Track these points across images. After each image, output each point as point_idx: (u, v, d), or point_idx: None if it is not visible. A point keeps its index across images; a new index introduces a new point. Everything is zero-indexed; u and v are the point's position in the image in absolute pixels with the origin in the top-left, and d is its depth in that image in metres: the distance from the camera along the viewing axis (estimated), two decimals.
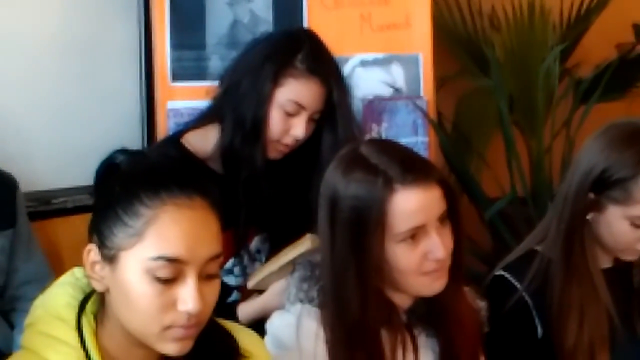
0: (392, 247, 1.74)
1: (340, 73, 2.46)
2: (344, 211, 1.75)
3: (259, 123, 2.34)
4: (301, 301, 1.85)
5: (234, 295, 2.43)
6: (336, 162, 1.83)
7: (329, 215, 1.77)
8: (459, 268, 1.84)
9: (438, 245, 1.74)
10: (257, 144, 2.35)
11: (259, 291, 2.31)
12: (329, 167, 1.84)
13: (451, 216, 1.80)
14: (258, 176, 2.37)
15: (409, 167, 1.75)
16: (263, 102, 2.34)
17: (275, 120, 2.35)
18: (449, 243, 1.78)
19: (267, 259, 2.44)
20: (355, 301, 1.75)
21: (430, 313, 1.87)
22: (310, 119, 2.38)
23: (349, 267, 1.75)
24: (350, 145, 1.87)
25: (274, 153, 2.40)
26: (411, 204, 1.72)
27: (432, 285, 1.79)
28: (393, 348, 1.81)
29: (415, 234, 1.74)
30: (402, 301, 1.84)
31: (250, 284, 2.31)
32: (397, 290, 1.80)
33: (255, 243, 2.46)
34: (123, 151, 1.53)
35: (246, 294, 2.38)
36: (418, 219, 1.73)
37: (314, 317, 1.82)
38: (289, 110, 2.35)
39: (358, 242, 1.73)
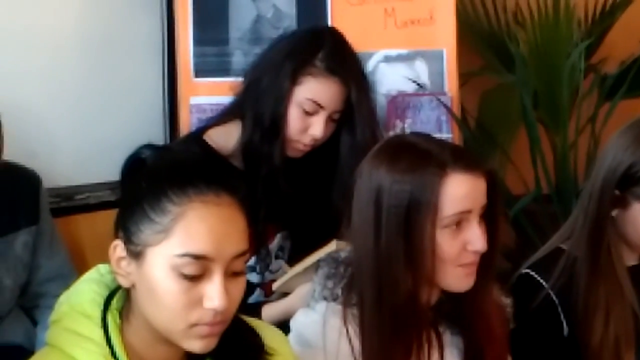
0: (437, 232, 1.75)
1: (361, 73, 2.44)
2: (392, 196, 1.75)
3: (278, 120, 2.34)
4: (326, 299, 1.85)
5: (257, 293, 2.43)
6: (376, 152, 1.84)
7: (374, 203, 1.77)
8: (491, 267, 1.84)
9: (479, 237, 1.76)
10: (276, 142, 2.35)
11: (284, 293, 2.30)
12: (367, 158, 1.85)
13: (491, 212, 1.81)
14: (277, 173, 2.36)
15: (461, 154, 1.78)
16: (281, 100, 2.33)
17: (293, 119, 2.34)
18: (486, 238, 1.78)
19: (290, 256, 2.44)
20: (405, 284, 1.76)
21: (456, 310, 1.88)
22: (330, 119, 2.37)
23: (398, 251, 1.75)
24: (392, 137, 1.87)
25: (293, 152, 2.40)
26: (462, 189, 1.74)
27: (463, 279, 1.79)
28: (418, 345, 1.80)
29: (459, 222, 1.75)
30: (428, 297, 1.84)
31: (275, 285, 2.31)
32: (428, 283, 1.79)
33: (277, 241, 2.46)
34: (149, 146, 1.52)
35: (269, 291, 2.38)
36: (466, 204, 1.75)
37: (339, 315, 1.81)
38: (308, 109, 2.34)
39: (408, 226, 1.74)
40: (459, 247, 1.76)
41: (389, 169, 1.77)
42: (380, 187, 1.77)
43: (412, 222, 1.74)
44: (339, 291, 1.84)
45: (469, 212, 1.76)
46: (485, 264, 1.82)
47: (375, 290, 1.78)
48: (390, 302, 1.77)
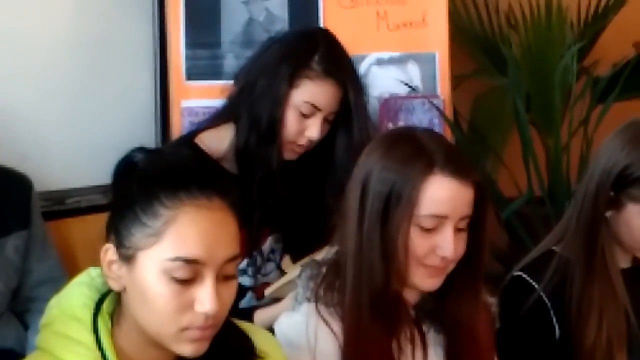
0: (411, 228, 1.76)
1: (355, 74, 2.45)
2: (378, 181, 1.77)
3: (275, 124, 2.34)
4: (308, 300, 1.85)
5: (248, 296, 2.42)
6: (383, 136, 1.89)
7: (362, 183, 1.80)
8: (477, 275, 1.86)
9: (449, 244, 1.76)
10: (273, 145, 2.35)
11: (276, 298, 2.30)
12: (375, 139, 1.89)
13: (477, 223, 1.81)
14: (273, 177, 2.36)
15: (453, 158, 1.78)
16: (279, 104, 2.33)
17: (290, 121, 2.34)
18: (460, 249, 1.79)
19: (282, 258, 2.43)
20: (379, 270, 1.77)
21: (438, 310, 1.88)
22: (325, 120, 2.38)
23: (375, 238, 1.77)
24: (405, 127, 1.88)
25: (288, 154, 2.40)
26: (443, 192, 1.75)
27: (426, 280, 1.80)
28: (398, 331, 1.82)
29: (434, 224, 1.76)
30: (409, 296, 1.85)
31: (268, 291, 2.30)
32: (401, 277, 1.80)
33: (269, 243, 2.45)
34: (141, 149, 1.52)
35: (260, 295, 2.38)
36: (444, 208, 1.75)
37: (321, 313, 1.82)
38: (304, 111, 2.34)
39: (386, 215, 1.76)
40: (427, 249, 1.77)
41: (384, 155, 1.80)
42: (372, 169, 1.79)
43: (390, 213, 1.76)
44: (321, 291, 1.84)
45: (445, 217, 1.76)
46: (472, 272, 1.83)
47: (356, 270, 1.79)
48: (368, 284, 1.78)
